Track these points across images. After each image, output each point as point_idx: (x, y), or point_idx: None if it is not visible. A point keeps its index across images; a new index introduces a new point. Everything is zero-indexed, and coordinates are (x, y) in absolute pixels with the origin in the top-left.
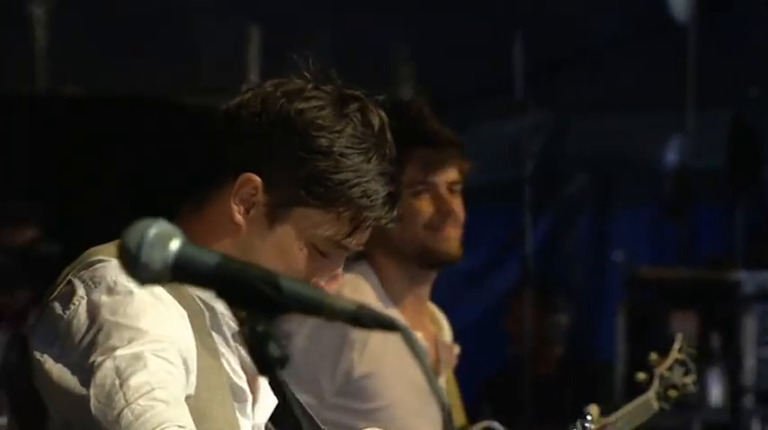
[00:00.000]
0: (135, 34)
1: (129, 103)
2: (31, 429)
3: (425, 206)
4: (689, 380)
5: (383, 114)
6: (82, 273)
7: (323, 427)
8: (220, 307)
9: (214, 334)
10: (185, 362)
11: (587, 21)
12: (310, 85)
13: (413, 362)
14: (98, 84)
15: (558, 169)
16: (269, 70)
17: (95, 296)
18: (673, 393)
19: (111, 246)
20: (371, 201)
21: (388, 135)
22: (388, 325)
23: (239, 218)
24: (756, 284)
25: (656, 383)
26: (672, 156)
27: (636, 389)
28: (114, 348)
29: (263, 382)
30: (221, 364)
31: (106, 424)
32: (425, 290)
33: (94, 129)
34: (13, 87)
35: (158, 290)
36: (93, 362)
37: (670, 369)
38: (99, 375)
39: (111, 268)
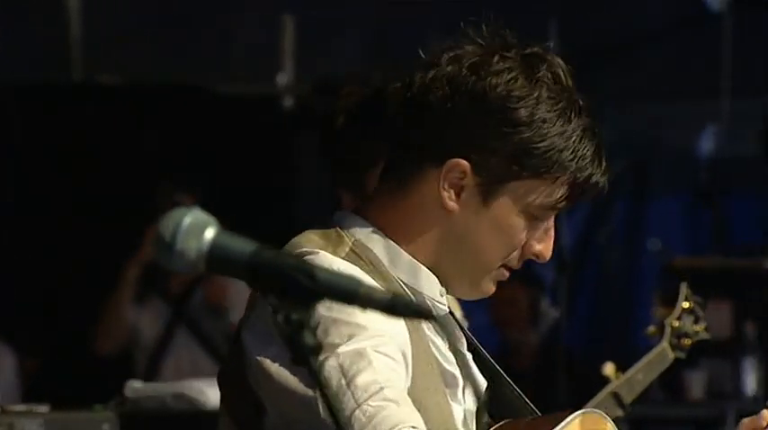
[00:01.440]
0: (169, 23)
1: (163, 91)
2: (248, 428)
3: None
4: (700, 327)
5: (561, 62)
6: None
7: (536, 410)
8: (427, 291)
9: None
10: (404, 356)
11: (622, 8)
12: (496, 57)
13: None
14: (132, 72)
15: None
16: (303, 58)
17: None
18: (686, 342)
19: (312, 236)
20: (582, 160)
21: (572, 82)
22: (423, 313)
23: (451, 204)
24: None
25: (667, 334)
26: (706, 144)
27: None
28: (335, 345)
29: (473, 365)
30: (432, 351)
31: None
32: None
33: (128, 118)
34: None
35: (368, 280)
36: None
37: (679, 319)
38: (323, 375)
39: (321, 260)
